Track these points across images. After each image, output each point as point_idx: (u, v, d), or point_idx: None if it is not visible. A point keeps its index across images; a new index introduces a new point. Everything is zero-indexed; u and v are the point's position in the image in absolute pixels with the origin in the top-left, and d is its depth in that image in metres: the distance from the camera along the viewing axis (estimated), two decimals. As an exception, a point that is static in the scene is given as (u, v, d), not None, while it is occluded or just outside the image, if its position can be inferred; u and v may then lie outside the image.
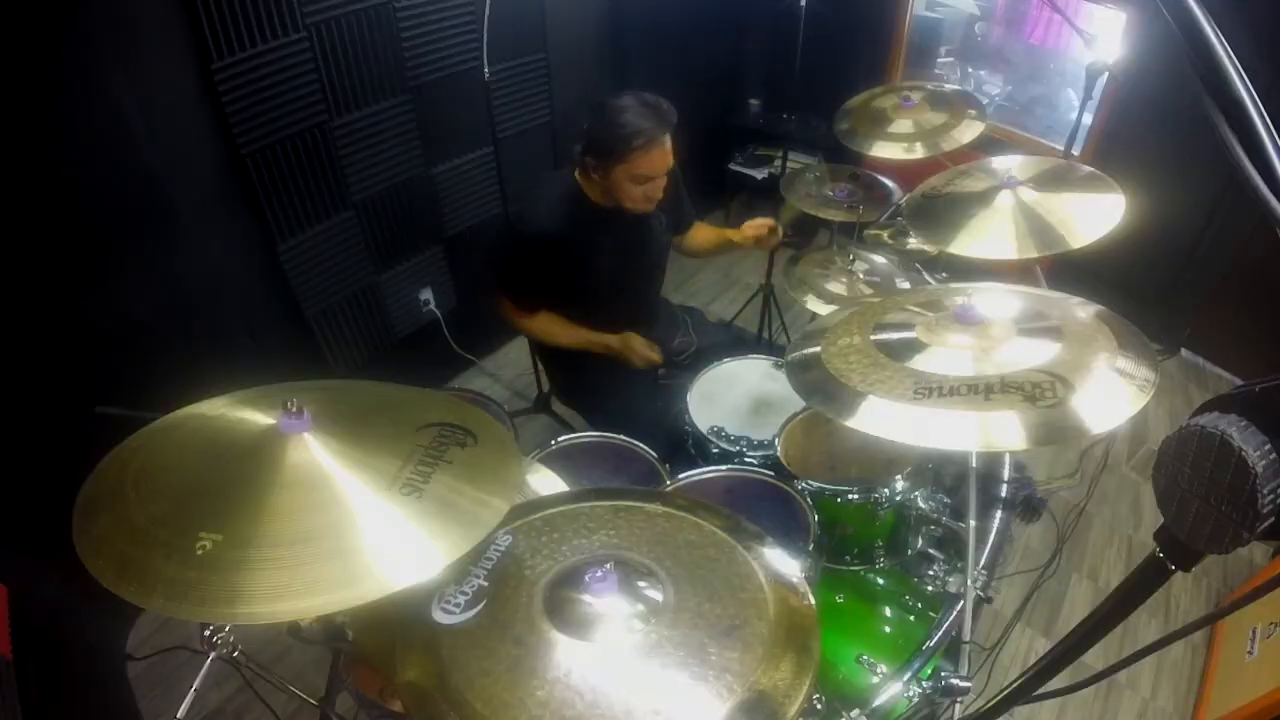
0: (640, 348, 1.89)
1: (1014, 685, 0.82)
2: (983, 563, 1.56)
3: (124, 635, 2.04)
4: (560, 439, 1.61)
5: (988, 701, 0.89)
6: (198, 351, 1.99)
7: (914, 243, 2.05)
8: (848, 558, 1.53)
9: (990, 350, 0.96)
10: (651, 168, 1.66)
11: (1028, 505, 1.67)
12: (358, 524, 0.81)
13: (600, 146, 1.65)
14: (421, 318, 2.69)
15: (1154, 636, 0.76)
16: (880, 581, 1.57)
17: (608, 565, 0.85)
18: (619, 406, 1.92)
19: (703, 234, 2.16)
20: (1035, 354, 0.93)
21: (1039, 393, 0.85)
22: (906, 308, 1.13)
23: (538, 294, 1.86)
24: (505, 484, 0.92)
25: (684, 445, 1.73)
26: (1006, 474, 1.68)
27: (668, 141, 1.66)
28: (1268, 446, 0.48)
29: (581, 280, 1.83)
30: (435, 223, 2.58)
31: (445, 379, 2.93)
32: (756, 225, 1.99)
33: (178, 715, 0.98)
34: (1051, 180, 1.57)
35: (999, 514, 1.65)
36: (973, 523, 1.28)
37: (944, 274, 2.03)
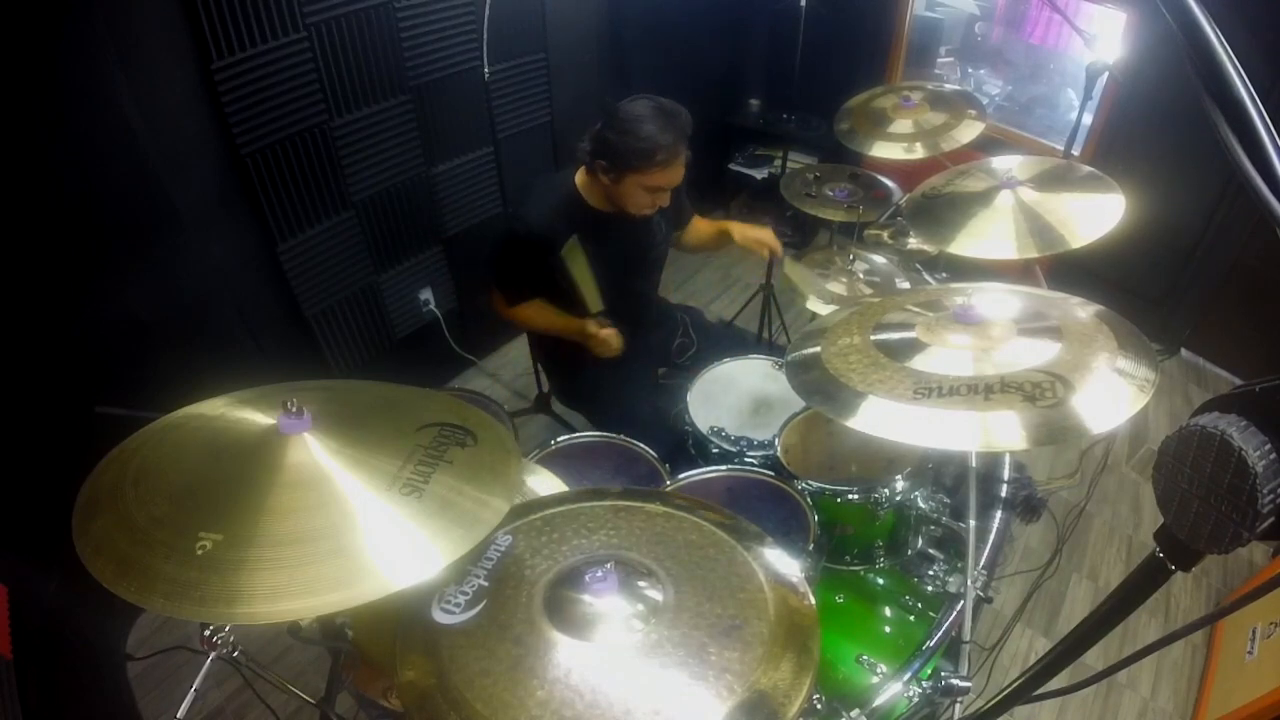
0: (598, 336, 1.81)
1: (1014, 685, 0.82)
2: (983, 563, 1.56)
3: (124, 635, 2.04)
4: (560, 439, 1.61)
5: (988, 701, 0.89)
6: (198, 351, 1.99)
7: (914, 243, 2.05)
8: (848, 558, 1.53)
9: (990, 350, 0.96)
10: (668, 180, 1.67)
11: (1028, 505, 1.67)
12: (358, 524, 0.80)
13: (617, 154, 1.62)
14: (421, 318, 2.69)
15: (1154, 636, 0.76)
16: (880, 581, 1.57)
17: (608, 565, 0.85)
18: (619, 407, 1.92)
19: (702, 228, 2.15)
20: (1035, 354, 0.93)
21: (1039, 393, 0.85)
22: (906, 308, 1.13)
23: (525, 288, 1.86)
24: (505, 484, 0.91)
25: (684, 445, 1.73)
26: (1006, 474, 1.68)
27: (685, 154, 1.67)
28: (1268, 446, 0.48)
29: (572, 281, 1.82)
30: (435, 223, 2.58)
31: (445, 379, 2.93)
32: (759, 238, 1.97)
33: (178, 715, 0.97)
34: (1051, 180, 1.57)
35: (999, 514, 1.64)
36: (973, 523, 1.28)
37: (944, 274, 2.03)
